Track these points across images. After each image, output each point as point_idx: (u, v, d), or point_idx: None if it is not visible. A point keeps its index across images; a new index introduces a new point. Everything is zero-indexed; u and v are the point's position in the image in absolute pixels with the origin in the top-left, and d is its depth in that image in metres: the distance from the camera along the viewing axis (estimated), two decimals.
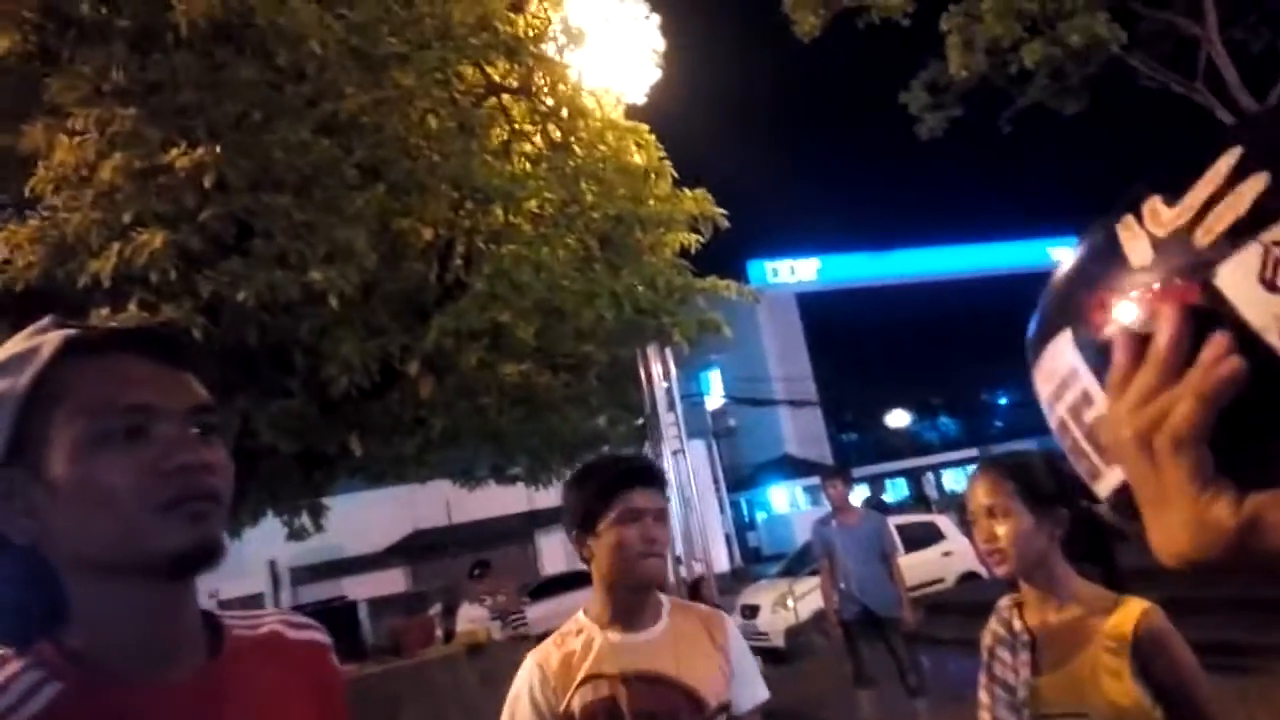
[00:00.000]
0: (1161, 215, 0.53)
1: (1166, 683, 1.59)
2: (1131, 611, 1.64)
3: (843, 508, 6.80)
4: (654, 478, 1.91)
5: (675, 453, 10.58)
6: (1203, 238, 0.49)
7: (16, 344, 0.90)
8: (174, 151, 4.96)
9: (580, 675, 1.77)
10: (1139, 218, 0.55)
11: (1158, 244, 0.52)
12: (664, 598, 1.94)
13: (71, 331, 0.90)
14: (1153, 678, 1.59)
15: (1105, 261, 0.56)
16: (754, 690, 1.88)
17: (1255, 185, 0.48)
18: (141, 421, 0.86)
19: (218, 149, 5.00)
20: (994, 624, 1.81)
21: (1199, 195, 0.51)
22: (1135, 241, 0.54)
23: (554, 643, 1.86)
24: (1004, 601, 1.83)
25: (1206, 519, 0.47)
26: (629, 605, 1.85)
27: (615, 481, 1.85)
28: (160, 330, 1.03)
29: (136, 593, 0.86)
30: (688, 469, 10.99)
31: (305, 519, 9.74)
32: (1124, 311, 0.52)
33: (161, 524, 0.84)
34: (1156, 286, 0.51)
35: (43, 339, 0.89)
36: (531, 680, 1.79)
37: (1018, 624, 1.74)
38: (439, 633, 12.34)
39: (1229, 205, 0.49)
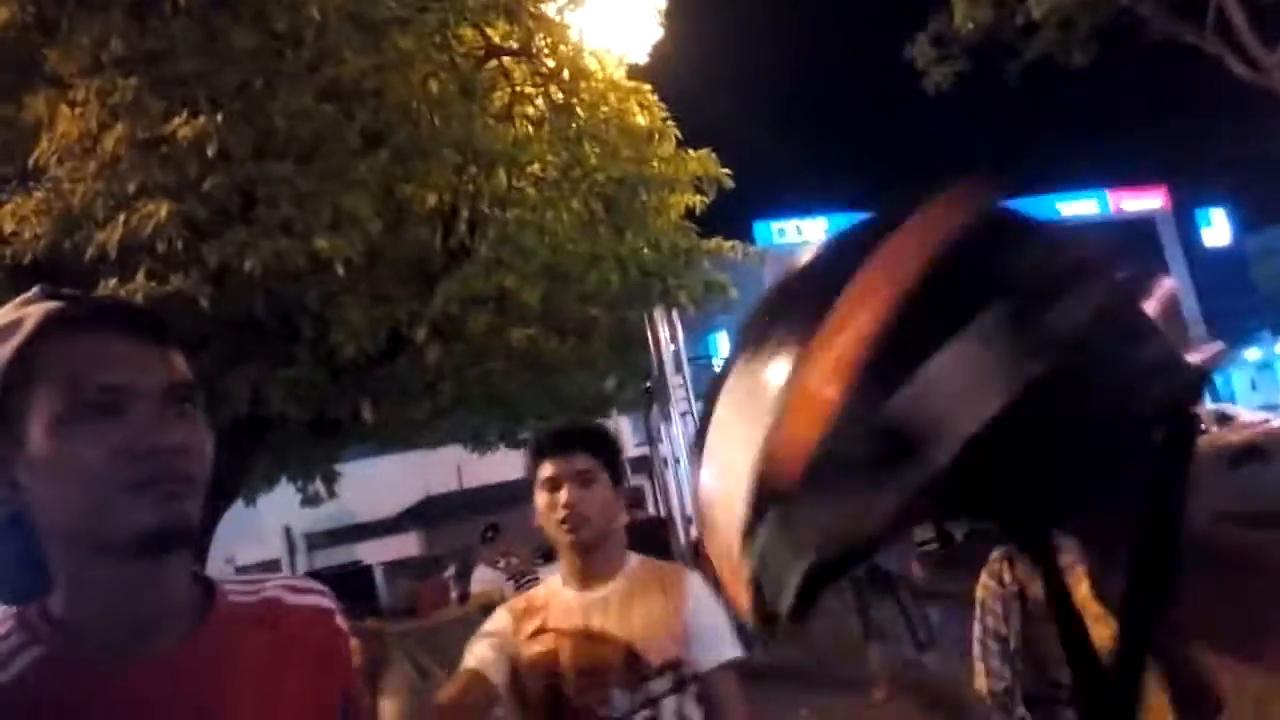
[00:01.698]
0: None
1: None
2: None
3: None
4: (568, 443, 1.93)
5: (684, 414, 10.62)
6: None
7: (3, 315, 0.91)
8: (176, 121, 4.95)
9: (531, 628, 1.86)
10: None
11: None
12: (633, 557, 1.96)
13: (54, 305, 0.90)
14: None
15: None
16: (718, 649, 1.85)
17: None
18: (116, 400, 0.86)
19: (219, 118, 4.98)
20: (985, 578, 1.83)
21: None
22: None
23: (524, 597, 1.98)
24: (995, 554, 1.86)
25: None
26: (577, 565, 1.91)
27: (533, 454, 1.95)
28: (141, 307, 1.03)
29: (111, 568, 0.87)
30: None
31: (319, 485, 9.83)
32: None
33: (131, 504, 0.84)
34: None
35: (26, 311, 0.90)
36: (503, 623, 1.89)
37: (1008, 576, 1.77)
38: (453, 594, 12.52)
39: None
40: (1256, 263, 36.39)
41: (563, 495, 1.87)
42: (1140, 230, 36.67)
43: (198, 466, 0.90)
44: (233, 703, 0.90)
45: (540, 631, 1.85)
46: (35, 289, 0.94)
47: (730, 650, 1.85)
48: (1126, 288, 0.64)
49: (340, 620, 1.06)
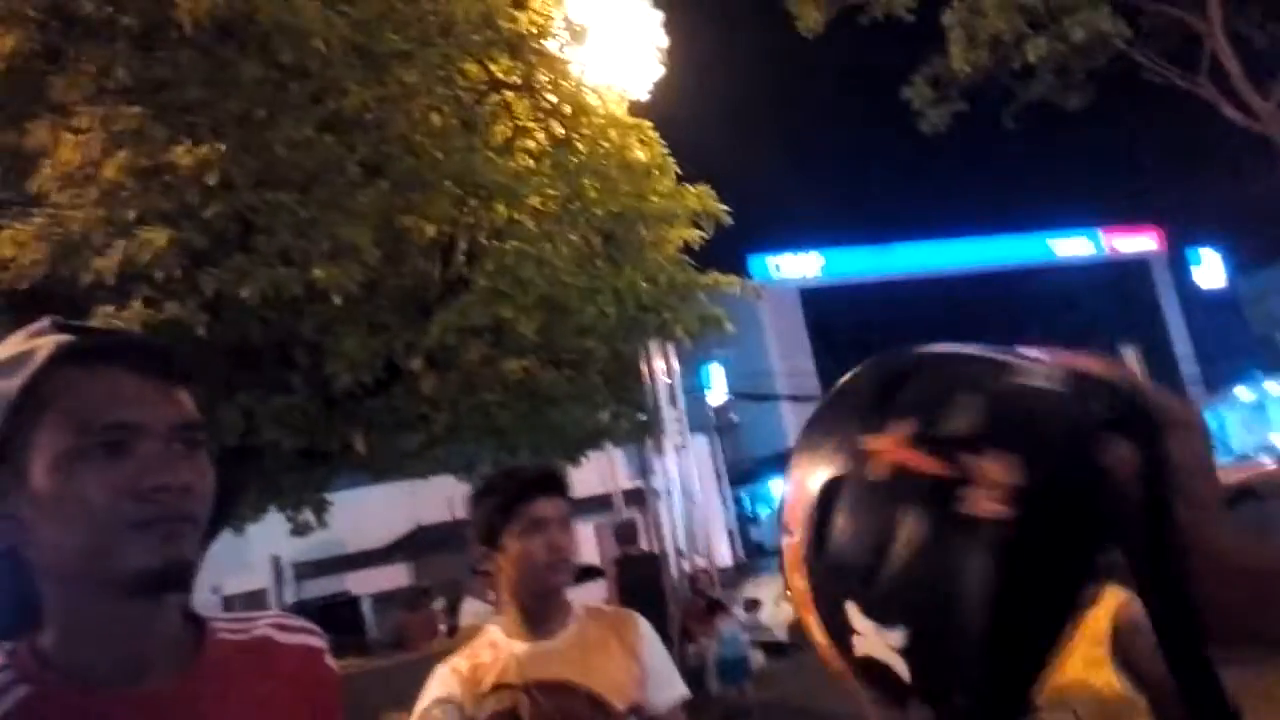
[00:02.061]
0: None
1: (1150, 673, 1.55)
2: (1109, 602, 1.63)
3: None
4: (555, 485, 1.89)
5: (678, 448, 10.59)
6: None
7: (12, 345, 0.90)
8: (178, 149, 4.98)
9: (485, 687, 1.75)
10: None
11: None
12: (576, 604, 1.93)
13: (66, 338, 0.90)
14: (1134, 667, 1.57)
15: None
16: (671, 690, 1.88)
17: None
18: (123, 438, 0.85)
19: (221, 146, 5.01)
20: None
21: None
22: None
23: (464, 655, 1.84)
24: None
25: None
26: (535, 614, 1.84)
27: (516, 493, 1.84)
28: (154, 342, 1.01)
29: (106, 605, 0.86)
30: (690, 464, 11.01)
31: (309, 514, 9.76)
32: None
33: (133, 543, 0.83)
34: None
35: (37, 343, 0.89)
36: (448, 685, 1.77)
37: None
38: (443, 627, 12.36)
39: None
40: (1249, 304, 36.62)
41: (554, 538, 1.81)
42: (1135, 271, 36.97)
43: (201, 506, 0.89)
44: None
45: (498, 688, 1.76)
46: (45, 321, 0.93)
47: (680, 688, 1.90)
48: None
49: (329, 660, 1.05)
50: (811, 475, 0.68)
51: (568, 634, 1.84)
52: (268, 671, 0.97)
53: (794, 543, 0.67)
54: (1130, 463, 0.60)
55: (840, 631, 0.63)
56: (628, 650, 1.85)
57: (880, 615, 0.61)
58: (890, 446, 0.63)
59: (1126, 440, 0.60)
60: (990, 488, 0.58)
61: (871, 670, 0.62)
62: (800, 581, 0.66)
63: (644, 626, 1.92)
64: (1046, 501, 0.59)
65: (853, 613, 0.62)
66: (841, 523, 0.64)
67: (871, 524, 0.62)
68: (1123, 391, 0.62)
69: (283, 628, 1.03)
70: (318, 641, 1.05)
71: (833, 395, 0.74)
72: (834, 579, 0.64)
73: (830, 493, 0.65)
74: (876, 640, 0.61)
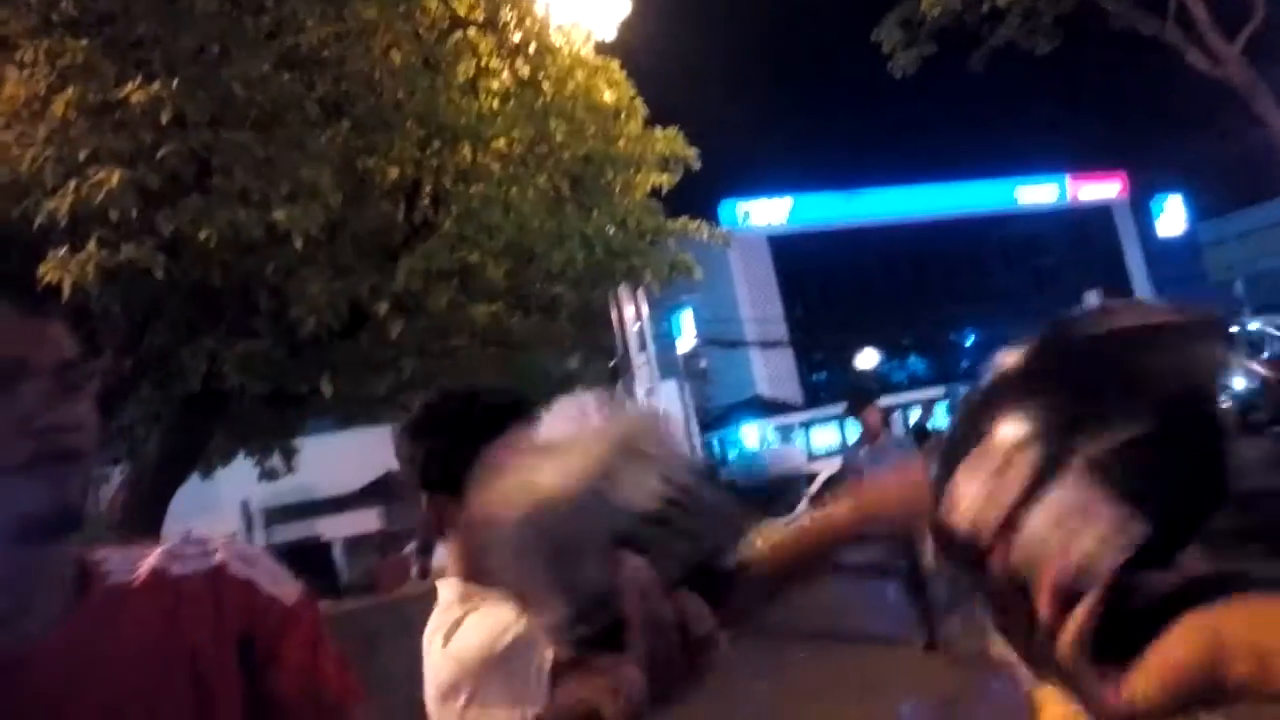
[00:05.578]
0: None
1: None
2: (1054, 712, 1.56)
3: (877, 434, 6.76)
4: (527, 411, 1.30)
5: (648, 392, 10.66)
6: None
7: None
8: (129, 85, 4.81)
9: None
10: None
11: None
12: None
13: None
14: None
15: None
16: None
17: None
18: (10, 375, 0.80)
19: (175, 83, 4.84)
20: None
21: None
22: None
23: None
24: None
25: None
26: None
27: (486, 423, 1.30)
28: (27, 277, 0.97)
29: None
30: (660, 409, 11.09)
31: (277, 459, 9.71)
32: None
33: (17, 485, 0.78)
34: None
35: None
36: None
37: None
38: (414, 570, 12.46)
39: None
40: (1209, 251, 37.24)
41: None
42: (1098, 218, 37.35)
43: (88, 446, 0.84)
44: (108, 689, 0.82)
45: None
46: None
47: None
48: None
49: (235, 568, 0.93)
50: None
51: None
52: (161, 607, 0.88)
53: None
54: None
55: None
56: None
57: None
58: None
59: None
60: None
61: None
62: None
63: None
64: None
65: None
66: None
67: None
68: None
69: (174, 555, 0.93)
70: (212, 560, 0.93)
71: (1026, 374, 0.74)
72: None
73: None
74: None
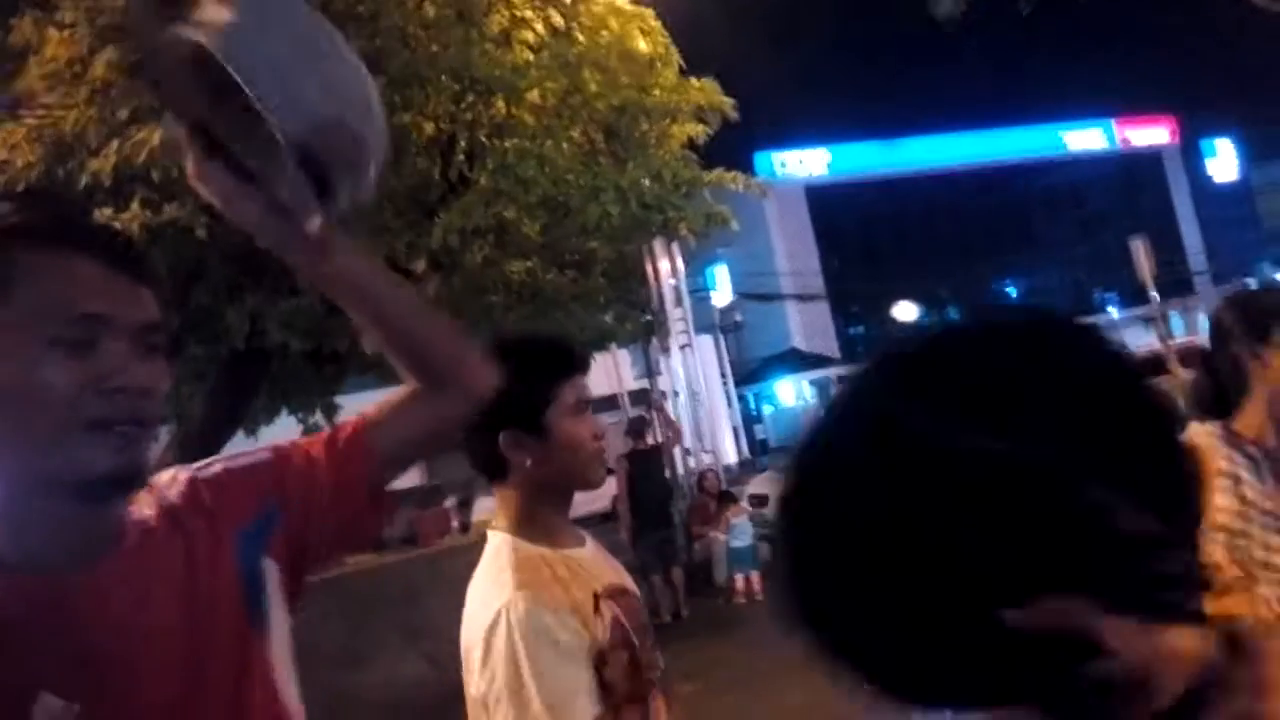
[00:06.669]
0: None
1: None
2: None
3: None
4: (587, 364, 1.58)
5: (683, 347, 10.64)
6: None
7: None
8: None
9: (580, 601, 1.42)
10: None
11: None
12: None
13: (20, 217, 0.84)
14: None
15: None
16: None
17: None
18: (93, 333, 0.81)
19: None
20: (1226, 449, 1.67)
21: None
22: None
23: (532, 572, 1.42)
24: (1215, 429, 1.68)
25: None
26: (563, 516, 1.54)
27: (561, 365, 1.52)
28: (118, 233, 0.95)
29: (51, 508, 0.83)
30: (696, 363, 11.07)
31: (319, 417, 9.87)
32: None
33: (88, 443, 0.80)
34: None
35: None
36: (564, 613, 1.38)
37: (1250, 447, 1.65)
38: (455, 524, 12.68)
39: None
40: (1261, 197, 36.05)
41: (597, 422, 1.53)
42: (1147, 164, 36.21)
43: (158, 412, 0.87)
44: (150, 613, 0.87)
45: (597, 602, 1.43)
46: (4, 204, 0.87)
47: None
48: None
49: (203, 475, 0.98)
50: None
51: (589, 539, 1.60)
52: (177, 531, 0.93)
53: None
54: None
55: None
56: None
57: None
58: None
59: None
60: None
61: None
62: None
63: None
64: None
65: None
66: None
67: None
68: None
69: (168, 485, 0.97)
70: (190, 471, 0.98)
71: None
72: None
73: None
74: None
